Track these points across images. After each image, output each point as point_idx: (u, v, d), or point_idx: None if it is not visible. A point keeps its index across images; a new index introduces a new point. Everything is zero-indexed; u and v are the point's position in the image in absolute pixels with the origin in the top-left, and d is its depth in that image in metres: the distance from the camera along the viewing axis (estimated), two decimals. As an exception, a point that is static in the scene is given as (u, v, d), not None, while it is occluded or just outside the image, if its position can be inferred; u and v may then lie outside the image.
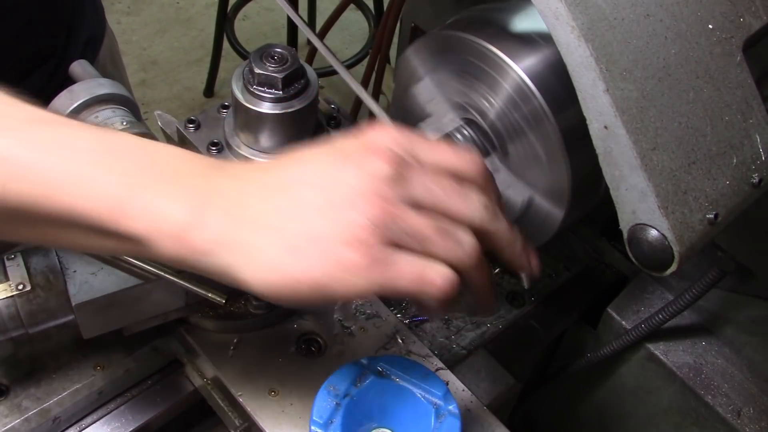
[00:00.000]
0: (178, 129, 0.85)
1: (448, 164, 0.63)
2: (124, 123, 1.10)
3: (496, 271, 1.25)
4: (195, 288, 0.82)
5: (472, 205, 0.63)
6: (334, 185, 0.59)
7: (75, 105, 1.09)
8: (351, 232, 0.57)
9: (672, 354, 1.16)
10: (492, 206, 0.64)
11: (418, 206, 0.60)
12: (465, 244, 0.61)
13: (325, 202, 0.58)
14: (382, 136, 0.62)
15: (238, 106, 0.78)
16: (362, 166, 0.60)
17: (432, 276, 0.59)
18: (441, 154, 0.64)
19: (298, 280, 0.57)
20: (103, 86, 1.13)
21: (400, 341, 0.93)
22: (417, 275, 0.59)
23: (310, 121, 0.81)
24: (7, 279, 0.79)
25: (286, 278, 0.57)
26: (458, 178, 0.63)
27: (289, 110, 0.77)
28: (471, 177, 0.64)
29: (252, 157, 0.80)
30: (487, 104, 0.86)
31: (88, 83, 1.13)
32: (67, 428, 0.90)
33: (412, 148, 0.62)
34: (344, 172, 0.60)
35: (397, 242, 0.59)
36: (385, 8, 2.30)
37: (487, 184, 0.65)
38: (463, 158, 0.64)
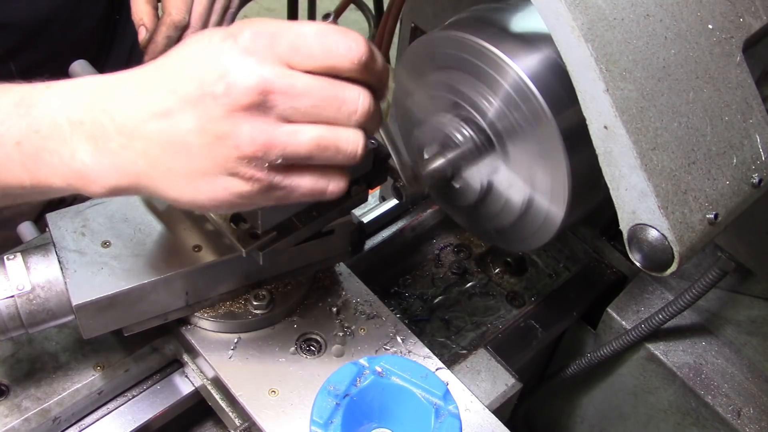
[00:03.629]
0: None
1: (321, 64, 0.63)
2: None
3: (497, 271, 1.25)
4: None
5: (346, 110, 0.64)
6: (206, 114, 0.61)
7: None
8: (228, 165, 0.62)
9: (672, 354, 1.16)
10: (368, 100, 0.65)
11: (292, 121, 0.63)
12: (350, 145, 0.65)
13: (198, 135, 0.61)
14: (243, 70, 0.61)
15: (238, 106, 0.78)
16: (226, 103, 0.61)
17: (322, 186, 0.67)
18: (311, 52, 0.63)
19: (206, 204, 0.65)
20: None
21: (400, 341, 0.93)
22: (309, 189, 0.66)
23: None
24: (7, 279, 0.79)
25: (197, 201, 0.65)
26: (334, 76, 0.64)
27: (289, 110, 0.77)
28: (348, 69, 0.63)
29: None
30: (486, 104, 0.86)
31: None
32: (67, 428, 0.90)
33: (280, 56, 0.62)
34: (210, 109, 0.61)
35: (286, 161, 0.63)
36: (385, 8, 2.29)
37: (365, 68, 0.64)
38: (335, 53, 0.63)
